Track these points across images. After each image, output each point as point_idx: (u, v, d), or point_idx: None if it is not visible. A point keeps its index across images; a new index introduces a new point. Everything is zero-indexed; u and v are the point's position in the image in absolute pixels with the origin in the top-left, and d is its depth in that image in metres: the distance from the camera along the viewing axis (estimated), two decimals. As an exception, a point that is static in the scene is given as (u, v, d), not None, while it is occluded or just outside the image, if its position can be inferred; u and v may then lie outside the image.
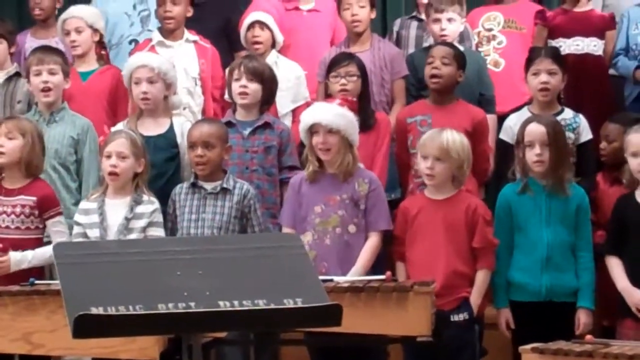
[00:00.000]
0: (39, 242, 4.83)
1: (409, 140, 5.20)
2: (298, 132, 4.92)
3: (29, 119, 5.05)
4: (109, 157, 4.75)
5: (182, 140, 5.11)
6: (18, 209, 4.81)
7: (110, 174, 4.75)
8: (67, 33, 5.66)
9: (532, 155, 4.73)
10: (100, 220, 4.72)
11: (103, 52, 5.81)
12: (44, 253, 4.75)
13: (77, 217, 4.80)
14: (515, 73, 5.66)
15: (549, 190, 4.73)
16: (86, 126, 5.26)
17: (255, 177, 5.08)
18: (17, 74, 5.59)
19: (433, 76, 5.20)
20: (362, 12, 5.68)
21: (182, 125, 5.18)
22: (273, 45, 5.80)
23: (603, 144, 5.24)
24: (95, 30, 5.70)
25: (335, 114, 4.73)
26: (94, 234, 4.72)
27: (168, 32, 5.76)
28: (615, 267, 4.65)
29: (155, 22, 5.96)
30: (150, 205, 4.75)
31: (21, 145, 4.83)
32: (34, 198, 4.82)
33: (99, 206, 4.75)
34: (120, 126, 5.17)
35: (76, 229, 4.78)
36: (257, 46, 5.74)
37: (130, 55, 5.78)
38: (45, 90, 5.23)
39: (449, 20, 5.66)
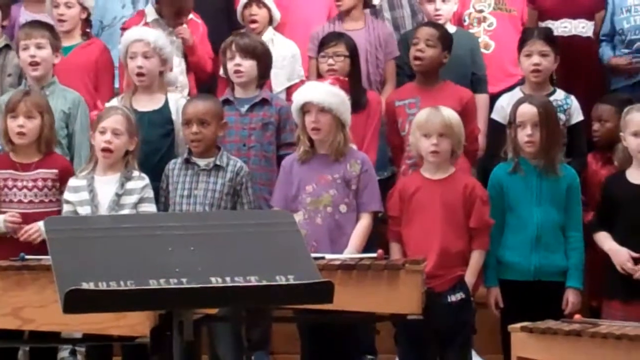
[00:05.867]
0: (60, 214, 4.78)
1: (398, 123, 5.21)
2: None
3: (41, 94, 5.02)
4: (103, 132, 4.73)
5: (177, 116, 5.09)
6: (40, 183, 4.79)
7: (104, 150, 4.72)
8: (56, 5, 5.63)
9: (523, 135, 4.74)
10: (91, 197, 4.70)
11: (88, 30, 5.77)
12: None
13: (67, 196, 4.75)
14: (505, 55, 5.68)
15: (540, 171, 4.75)
16: (77, 100, 5.23)
17: (252, 154, 5.08)
18: (7, 47, 5.57)
19: (416, 58, 5.21)
20: None
21: (177, 101, 5.16)
22: (270, 22, 5.78)
23: (596, 125, 5.25)
24: (84, 8, 5.68)
25: (327, 93, 4.73)
26: (84, 211, 4.69)
27: None
28: (603, 236, 4.68)
29: (144, 3, 5.92)
30: (140, 181, 4.73)
31: (40, 124, 4.82)
32: (55, 170, 4.81)
33: (88, 183, 4.73)
34: (115, 102, 5.16)
35: (66, 207, 4.74)
36: (254, 25, 5.72)
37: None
38: (33, 64, 5.20)
39: (443, 0, 5.65)
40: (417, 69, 5.26)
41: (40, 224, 4.66)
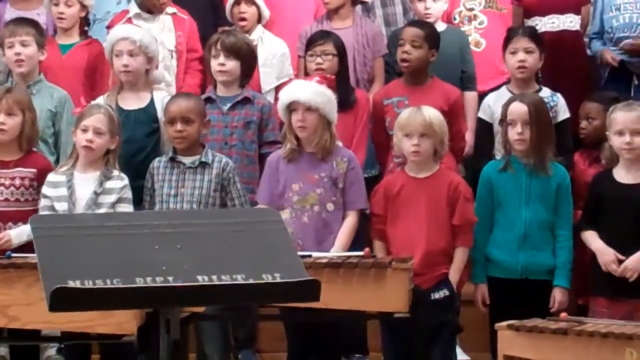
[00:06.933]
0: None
1: (386, 121, 5.21)
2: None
3: (24, 91, 5.01)
4: (85, 130, 4.72)
5: (162, 114, 5.08)
6: (17, 181, 4.77)
7: (85, 148, 4.71)
8: (56, 4, 5.62)
9: (513, 133, 4.76)
10: (69, 193, 4.68)
11: (86, 28, 5.76)
12: None
13: (45, 190, 4.72)
14: (496, 53, 5.67)
15: (530, 169, 4.76)
16: (63, 98, 5.23)
17: (234, 153, 5.07)
18: (-4, 44, 5.56)
19: (403, 60, 5.22)
20: None
21: (163, 99, 5.15)
22: (259, 20, 5.78)
23: (584, 123, 5.26)
24: (84, 7, 5.67)
25: (314, 92, 4.72)
26: (61, 207, 4.67)
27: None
28: (590, 235, 4.69)
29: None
30: (120, 181, 4.71)
31: (21, 122, 4.80)
32: (34, 170, 4.79)
33: (67, 179, 4.71)
34: (100, 100, 5.15)
35: (43, 202, 4.71)
36: (243, 23, 5.71)
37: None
38: (18, 62, 5.19)
39: None
40: (404, 70, 5.27)
41: (11, 232, 4.66)
